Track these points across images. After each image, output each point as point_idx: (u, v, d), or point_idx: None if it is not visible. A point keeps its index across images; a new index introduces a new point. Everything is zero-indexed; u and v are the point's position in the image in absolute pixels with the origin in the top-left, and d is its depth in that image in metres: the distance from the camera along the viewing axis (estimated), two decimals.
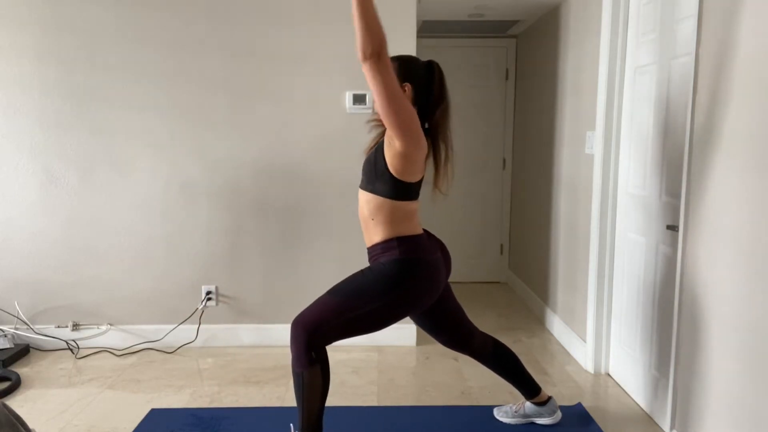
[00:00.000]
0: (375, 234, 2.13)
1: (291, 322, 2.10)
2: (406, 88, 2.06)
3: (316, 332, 2.05)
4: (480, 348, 2.43)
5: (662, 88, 2.52)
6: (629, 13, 2.83)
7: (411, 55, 2.15)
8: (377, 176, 2.07)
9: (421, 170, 2.10)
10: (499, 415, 2.58)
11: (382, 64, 1.82)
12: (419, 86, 2.07)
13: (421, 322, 2.38)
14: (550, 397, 2.54)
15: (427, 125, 2.14)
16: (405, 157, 1.99)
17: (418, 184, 2.12)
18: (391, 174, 2.04)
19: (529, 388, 2.49)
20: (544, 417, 2.52)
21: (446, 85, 2.11)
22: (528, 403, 2.53)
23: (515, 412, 2.55)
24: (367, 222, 2.15)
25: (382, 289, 2.04)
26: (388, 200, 2.07)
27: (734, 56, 1.92)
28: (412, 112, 1.94)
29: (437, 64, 2.13)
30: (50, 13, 3.28)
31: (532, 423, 2.54)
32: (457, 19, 4.21)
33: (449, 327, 2.37)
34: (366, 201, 2.13)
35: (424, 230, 2.24)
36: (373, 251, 2.14)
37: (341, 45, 3.33)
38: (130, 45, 3.31)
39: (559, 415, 2.54)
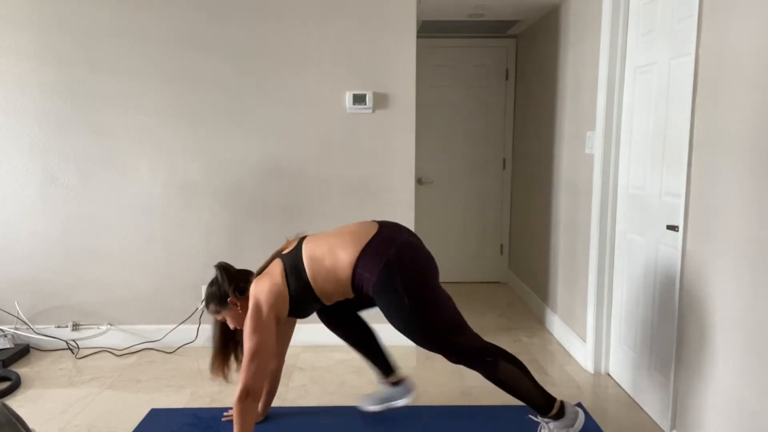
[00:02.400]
0: (344, 295, 2.27)
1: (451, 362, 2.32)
2: (232, 302, 2.29)
3: (462, 346, 2.18)
4: (350, 324, 2.53)
5: (662, 88, 2.52)
6: (629, 13, 2.83)
7: (208, 287, 2.35)
8: (295, 313, 2.30)
9: (280, 289, 2.21)
10: (365, 405, 2.58)
11: (256, 381, 2.14)
12: (233, 291, 2.29)
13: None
14: (403, 377, 2.58)
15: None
16: (279, 316, 2.25)
17: (297, 286, 2.22)
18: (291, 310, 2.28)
19: (384, 367, 2.55)
20: (401, 398, 2.55)
21: (231, 274, 2.34)
22: (384, 387, 2.57)
23: (377, 399, 2.57)
24: (336, 290, 2.28)
25: (404, 289, 2.13)
26: (314, 300, 2.26)
27: (734, 56, 1.92)
28: (256, 330, 2.16)
29: (218, 267, 2.34)
30: (50, 14, 3.28)
31: (392, 407, 2.57)
32: (457, 19, 4.21)
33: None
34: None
35: (379, 223, 2.31)
36: (356, 282, 2.22)
37: (341, 45, 3.33)
38: (130, 45, 3.31)
39: (413, 392, 2.56)
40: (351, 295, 2.27)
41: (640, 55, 2.72)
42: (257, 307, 2.17)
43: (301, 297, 2.23)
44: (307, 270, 2.21)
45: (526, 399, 2.24)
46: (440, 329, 2.17)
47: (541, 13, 4.01)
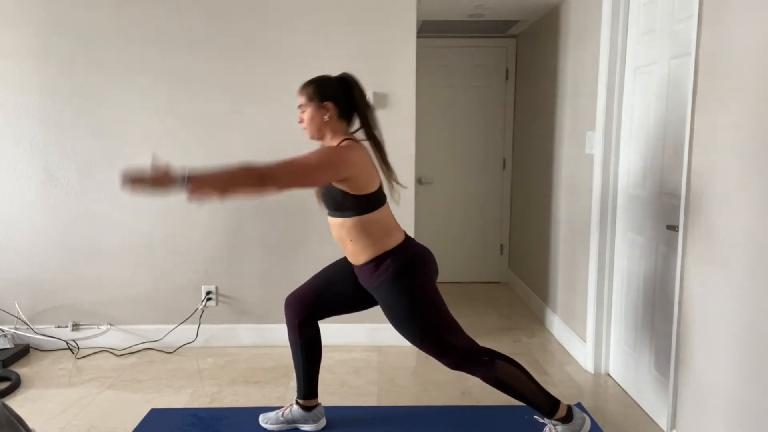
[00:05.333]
0: (359, 254, 2.20)
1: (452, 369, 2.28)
2: (328, 106, 2.14)
3: (457, 347, 2.17)
4: (310, 329, 2.43)
5: (662, 88, 2.52)
6: (629, 13, 2.83)
7: (324, 76, 2.21)
8: (339, 201, 2.15)
9: (374, 177, 2.15)
10: (264, 422, 2.52)
11: (281, 182, 1.93)
12: (340, 101, 2.15)
13: (321, 278, 2.41)
14: (318, 404, 2.51)
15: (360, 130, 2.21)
16: (350, 179, 2.08)
17: (379, 191, 2.18)
18: (350, 194, 2.11)
19: (310, 388, 2.47)
20: (309, 423, 2.49)
21: (364, 91, 2.19)
22: (295, 407, 2.49)
23: (281, 416, 2.50)
24: (344, 243, 2.22)
25: (414, 296, 2.14)
26: (357, 218, 2.15)
27: (734, 56, 1.92)
28: (327, 158, 2.02)
29: (350, 76, 2.20)
30: (50, 14, 3.28)
31: (297, 429, 2.50)
32: (457, 19, 4.21)
33: (326, 299, 2.39)
34: (338, 225, 2.21)
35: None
36: (364, 271, 2.21)
37: (341, 45, 3.33)
38: (130, 45, 3.31)
39: (323, 422, 2.51)
40: (353, 256, 2.20)
41: (640, 55, 2.72)
42: (343, 155, 2.03)
43: (349, 200, 2.12)
44: (376, 212, 2.14)
45: (528, 400, 2.23)
46: (438, 331, 2.17)
47: (541, 13, 4.01)
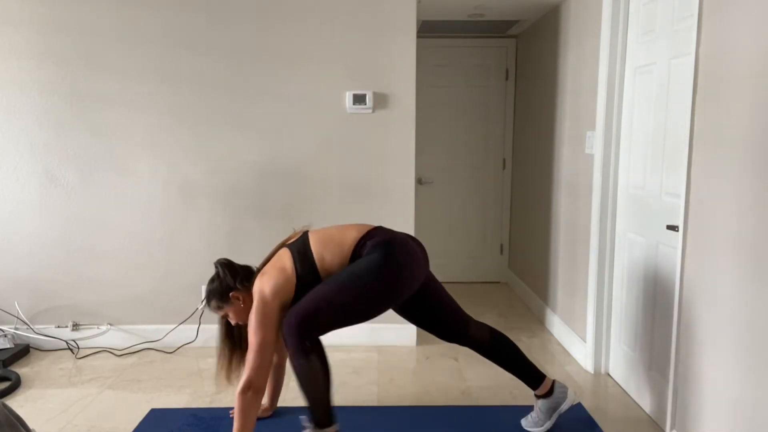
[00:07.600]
0: (343, 256, 2.26)
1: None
2: (235, 296, 2.30)
3: (308, 321, 2.13)
4: (477, 337, 2.43)
5: (662, 88, 2.52)
6: (629, 13, 2.83)
7: (207, 287, 2.35)
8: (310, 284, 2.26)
9: (290, 277, 2.21)
10: (528, 425, 2.48)
11: (260, 373, 2.12)
12: (232, 285, 2.30)
13: (414, 316, 2.43)
14: (554, 381, 2.46)
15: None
16: (286, 300, 2.23)
17: (300, 260, 2.24)
18: (304, 281, 2.24)
19: (533, 376, 2.43)
20: (562, 404, 2.43)
21: (219, 262, 2.36)
22: (540, 401, 2.44)
23: (536, 418, 2.45)
24: (343, 257, 2.28)
25: (369, 270, 2.16)
26: (313, 273, 2.23)
27: (734, 56, 1.92)
28: (259, 322, 2.15)
29: (215, 264, 2.35)
30: (50, 14, 3.28)
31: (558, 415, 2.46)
32: (457, 19, 4.21)
33: (442, 317, 2.41)
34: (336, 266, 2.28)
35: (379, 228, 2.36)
36: (357, 251, 2.27)
37: (341, 45, 3.33)
38: (130, 45, 3.31)
39: (572, 396, 2.45)
40: (351, 248, 2.27)
41: (640, 55, 2.72)
42: (263, 299, 2.16)
43: (308, 280, 2.21)
44: (314, 251, 2.23)
45: (308, 399, 2.16)
46: (338, 303, 2.13)
47: (541, 13, 4.01)
